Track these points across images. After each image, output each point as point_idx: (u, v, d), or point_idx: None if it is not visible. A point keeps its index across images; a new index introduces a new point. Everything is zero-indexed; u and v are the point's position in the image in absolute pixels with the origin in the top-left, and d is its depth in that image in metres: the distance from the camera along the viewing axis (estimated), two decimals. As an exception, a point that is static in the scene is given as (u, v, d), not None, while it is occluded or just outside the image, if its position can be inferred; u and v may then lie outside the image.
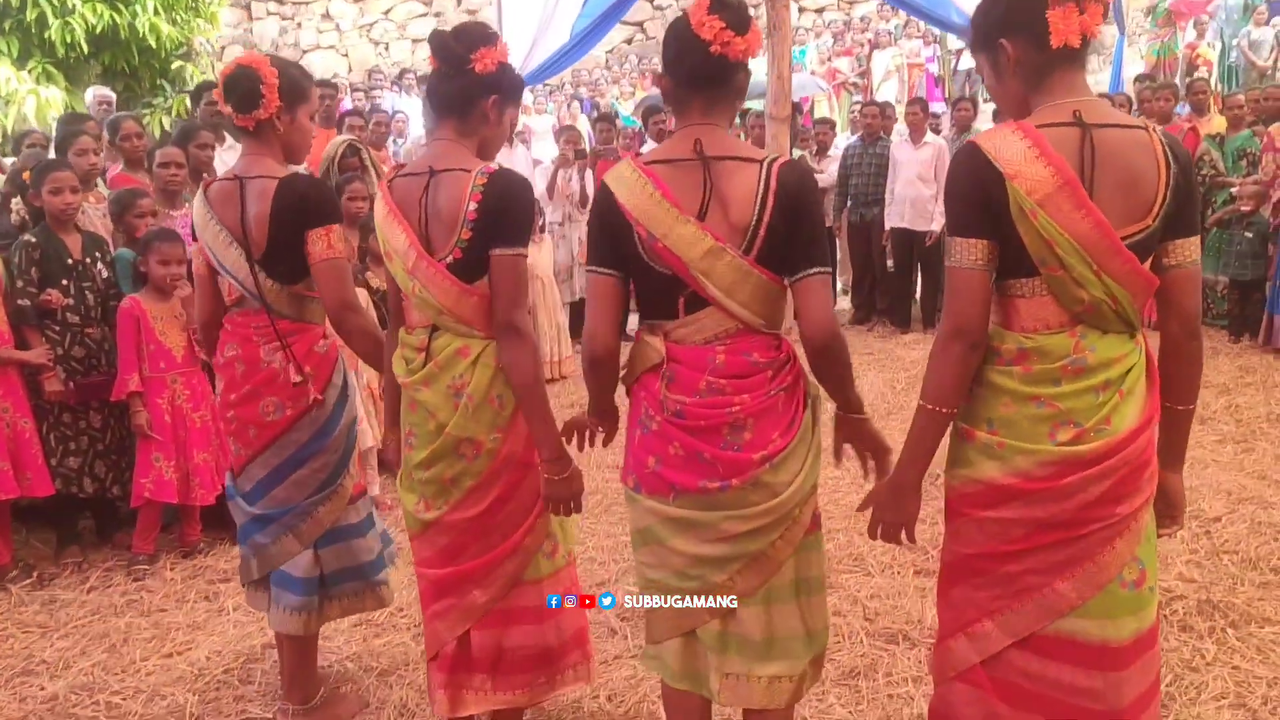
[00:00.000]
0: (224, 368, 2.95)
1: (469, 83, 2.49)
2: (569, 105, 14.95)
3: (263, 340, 2.87)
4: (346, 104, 12.00)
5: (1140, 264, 1.97)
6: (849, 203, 8.79)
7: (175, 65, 12.26)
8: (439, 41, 2.51)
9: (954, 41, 13.84)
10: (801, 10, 18.74)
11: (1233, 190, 7.56)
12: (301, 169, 3.03)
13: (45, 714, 3.19)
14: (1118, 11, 10.24)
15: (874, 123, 8.84)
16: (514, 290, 2.45)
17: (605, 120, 9.54)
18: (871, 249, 8.74)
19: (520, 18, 9.56)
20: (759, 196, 2.14)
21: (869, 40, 16.10)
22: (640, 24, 19.48)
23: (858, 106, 12.22)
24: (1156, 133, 2.00)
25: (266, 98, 2.78)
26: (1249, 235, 7.25)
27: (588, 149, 8.84)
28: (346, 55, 19.75)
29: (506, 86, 2.57)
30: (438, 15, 19.76)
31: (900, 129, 9.17)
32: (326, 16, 19.84)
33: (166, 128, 10.76)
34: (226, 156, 6.02)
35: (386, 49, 19.79)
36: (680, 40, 2.20)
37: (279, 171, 2.83)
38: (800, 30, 17.41)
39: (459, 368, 2.49)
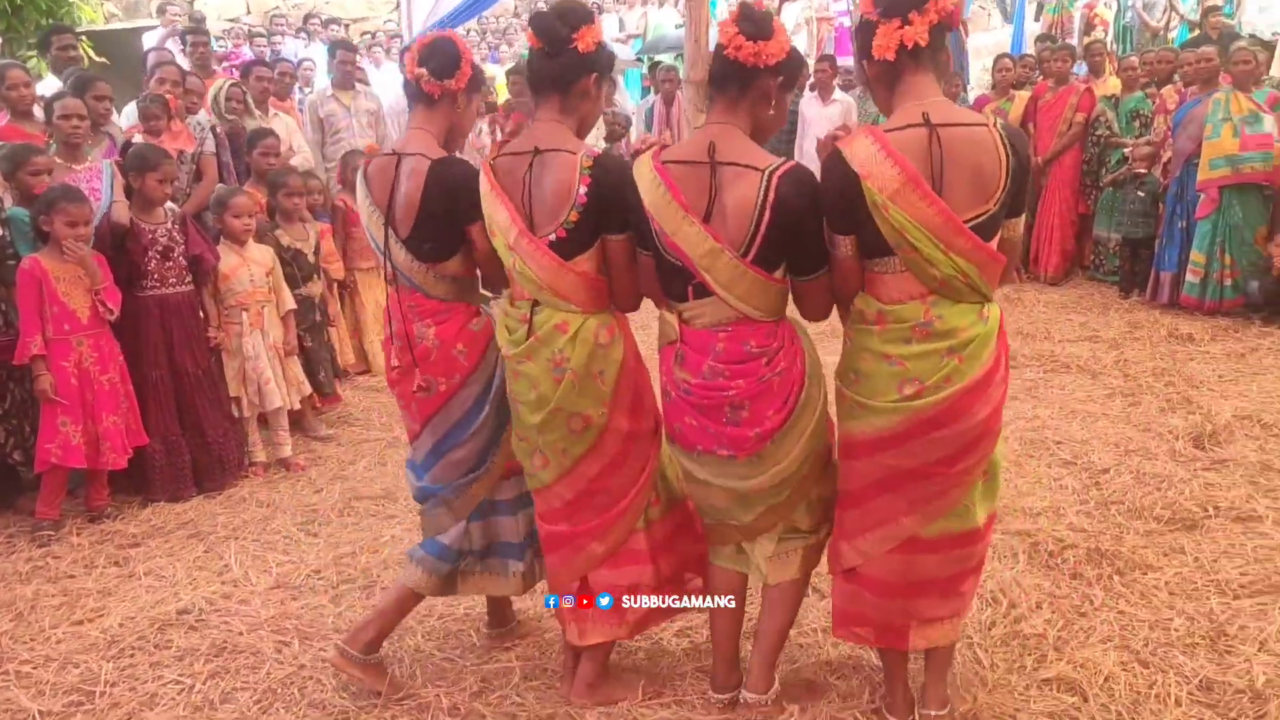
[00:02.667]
0: (387, 343, 2.99)
1: (572, 61, 2.61)
2: (476, 54, 14.68)
3: (416, 318, 2.87)
4: (246, 52, 11.59)
5: (983, 242, 2.31)
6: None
7: (67, 4, 11.69)
8: (543, 21, 2.63)
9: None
10: (712, -40, 18.65)
11: (1126, 151, 7.84)
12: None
13: (-47, 685, 3.13)
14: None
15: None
16: (623, 272, 2.65)
17: (518, 72, 9.41)
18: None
19: (427, -37, 9.36)
20: (757, 207, 2.37)
21: (779, -7, 16.10)
22: (550, -30, 19.17)
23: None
24: (997, 127, 2.34)
25: (463, 70, 2.84)
26: (1141, 195, 7.54)
27: (499, 101, 8.73)
28: (245, -3, 19.02)
29: (605, 64, 2.70)
30: (342, -43, 19.12)
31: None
32: (223, -45, 19.05)
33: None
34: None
35: (288, -9, 19.11)
36: (715, 46, 2.48)
37: (435, 151, 2.83)
38: (713, -18, 17.33)
39: (559, 343, 2.61)
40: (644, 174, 2.46)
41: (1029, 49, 10.23)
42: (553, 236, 2.57)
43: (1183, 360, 6.03)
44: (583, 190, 2.54)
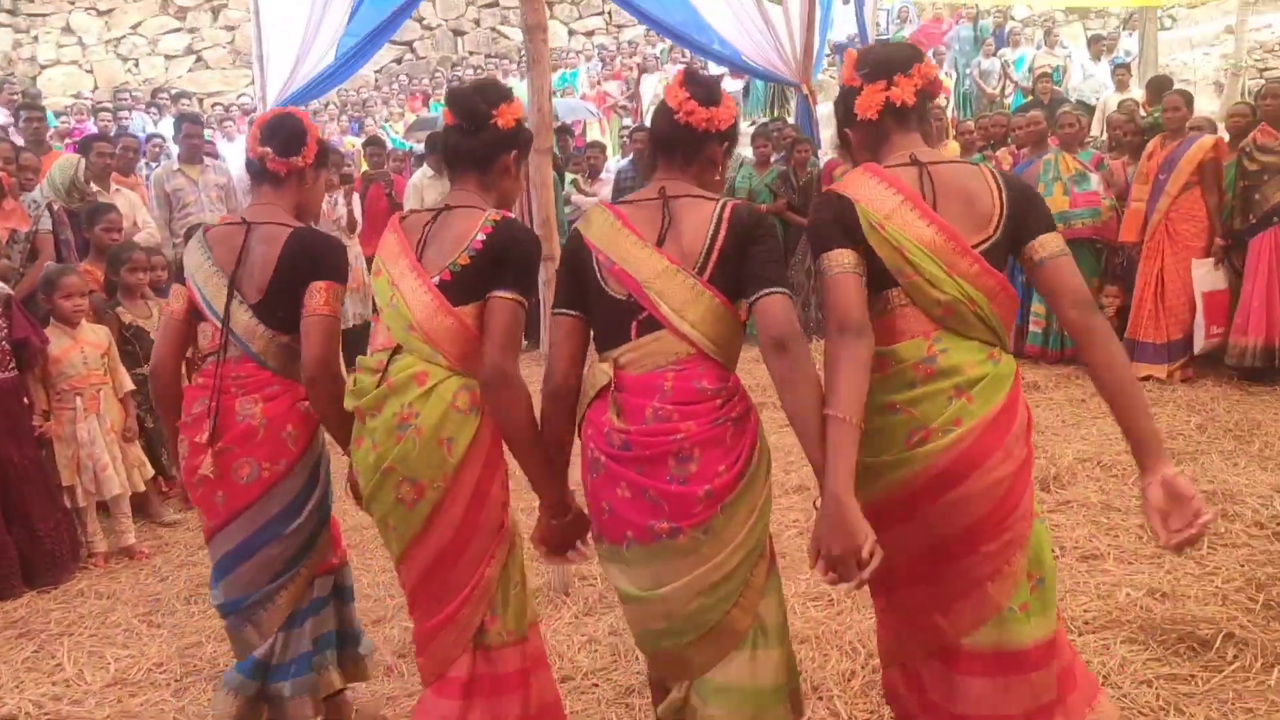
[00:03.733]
0: (192, 426, 2.72)
1: (493, 138, 2.53)
2: (336, 127, 14.55)
3: (240, 392, 2.68)
4: (90, 126, 11.24)
5: (990, 267, 2.17)
6: (621, 224, 8.96)
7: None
8: (462, 98, 2.56)
9: (714, 68, 14.34)
10: (571, 34, 19.03)
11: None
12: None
13: None
14: (863, 40, 10.94)
15: (643, 146, 9.06)
16: (507, 335, 2.40)
17: (375, 143, 9.37)
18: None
19: (282, 36, 9.21)
20: (712, 224, 2.26)
21: (637, 64, 16.49)
22: (409, 44, 19.23)
23: (628, 130, 12.48)
24: (986, 166, 2.32)
25: (309, 146, 2.78)
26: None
27: (355, 172, 8.64)
28: (91, 72, 18.49)
29: (524, 141, 2.63)
30: (192, 31, 18.84)
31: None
32: (67, 30, 18.51)
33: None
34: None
35: (137, 66, 18.67)
36: (658, 108, 2.40)
37: (292, 221, 2.76)
38: (570, 54, 17.64)
39: (411, 394, 2.39)
40: (594, 217, 2.39)
41: (874, 115, 10.66)
42: (438, 278, 2.43)
43: (1029, 407, 6.25)
44: (480, 237, 2.43)
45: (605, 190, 9.12)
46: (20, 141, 6.88)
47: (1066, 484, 4.78)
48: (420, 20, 18.91)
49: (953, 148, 9.06)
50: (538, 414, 2.41)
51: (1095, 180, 7.07)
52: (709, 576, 2.19)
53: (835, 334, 2.13)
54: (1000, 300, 2.19)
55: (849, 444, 2.06)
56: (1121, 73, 12.06)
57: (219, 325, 2.72)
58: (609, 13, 18.87)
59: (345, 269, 2.78)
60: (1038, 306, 7.25)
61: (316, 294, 2.66)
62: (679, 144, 2.38)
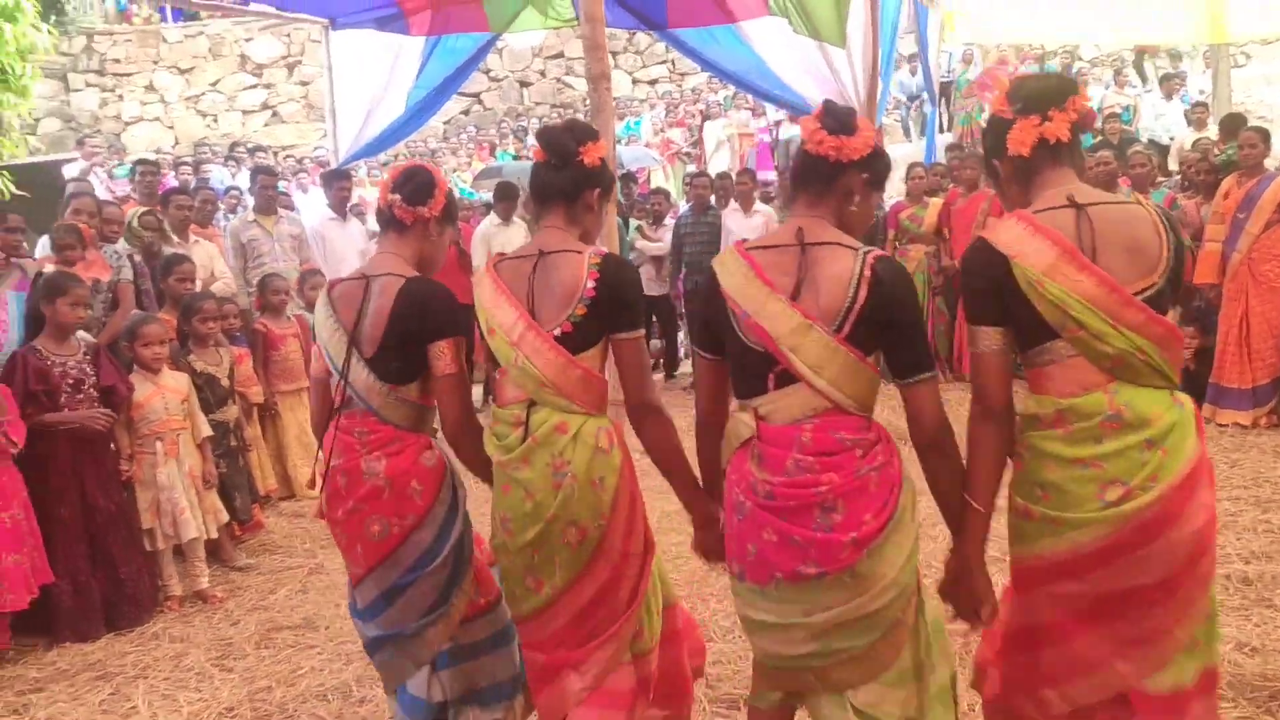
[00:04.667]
0: (329, 478, 2.81)
1: (578, 174, 2.62)
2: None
3: (365, 450, 2.73)
4: (171, 180, 11.61)
5: (1158, 315, 2.13)
6: (684, 270, 9.00)
7: (-17, 142, 11.63)
8: (551, 135, 2.66)
9: (775, 113, 14.40)
10: (635, 82, 19.25)
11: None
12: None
13: None
14: (929, 87, 10.91)
15: (704, 192, 9.10)
16: (642, 371, 2.60)
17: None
18: (708, 314, 8.93)
19: (354, 90, 9.48)
20: (854, 282, 2.21)
21: (700, 111, 16.63)
22: (477, 95, 19.62)
23: (689, 176, 12.57)
24: (1149, 204, 2.24)
25: (436, 198, 2.83)
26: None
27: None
28: (173, 128, 19.16)
29: (607, 180, 2.73)
30: (268, 87, 19.42)
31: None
32: (150, 88, 19.22)
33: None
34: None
35: (215, 121, 19.30)
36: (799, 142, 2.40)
37: (408, 271, 2.79)
38: (634, 102, 17.85)
39: (559, 444, 2.49)
40: (728, 262, 2.35)
41: (940, 158, 10.61)
42: (558, 331, 2.51)
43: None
44: (590, 284, 2.50)
45: (667, 236, 9.16)
46: (103, 194, 7.11)
47: (1147, 531, 4.62)
48: (487, 72, 19.30)
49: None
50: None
51: (1169, 220, 6.93)
52: (857, 611, 2.22)
53: (980, 416, 2.26)
54: (1170, 346, 2.16)
55: (983, 526, 2.27)
56: (1200, 110, 11.80)
57: (340, 380, 2.77)
58: (672, 61, 19.07)
59: (461, 320, 2.78)
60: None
61: (441, 355, 2.71)
62: (812, 175, 2.36)
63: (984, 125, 2.49)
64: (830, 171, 2.32)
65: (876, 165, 2.36)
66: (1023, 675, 2.32)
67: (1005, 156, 2.32)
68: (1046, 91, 2.28)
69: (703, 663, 2.98)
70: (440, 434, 2.81)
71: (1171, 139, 12.08)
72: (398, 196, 2.79)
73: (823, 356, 2.21)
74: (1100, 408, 2.14)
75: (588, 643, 2.56)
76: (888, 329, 2.24)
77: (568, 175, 2.62)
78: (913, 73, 14.31)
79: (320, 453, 2.82)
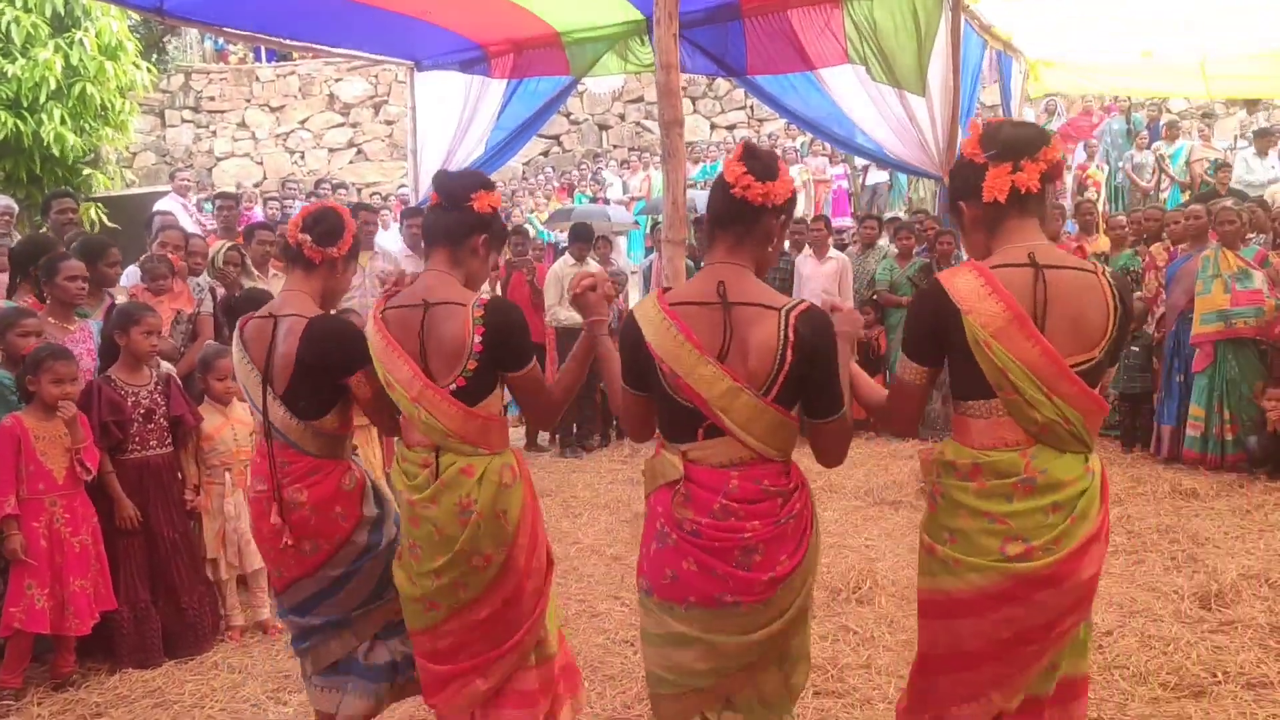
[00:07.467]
0: (255, 501, 3.02)
1: (465, 218, 2.75)
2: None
3: (287, 481, 2.92)
4: (258, 214, 11.93)
5: (1089, 389, 2.23)
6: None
7: (85, 173, 12.09)
8: (446, 179, 2.81)
9: (860, 160, 14.34)
10: (713, 127, 19.32)
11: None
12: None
13: None
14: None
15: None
16: (542, 396, 2.80)
17: (519, 233, 9.64)
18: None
19: (436, 130, 9.67)
20: (780, 347, 2.27)
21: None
22: (556, 137, 19.86)
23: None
24: (1105, 275, 2.28)
25: (345, 239, 3.01)
26: (1135, 349, 7.54)
27: (501, 261, 8.88)
28: (262, 164, 19.72)
29: (496, 230, 2.86)
30: (354, 126, 19.90)
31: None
32: (242, 125, 19.84)
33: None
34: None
35: (302, 158, 19.82)
36: (715, 183, 2.43)
37: (311, 310, 2.96)
38: (712, 146, 17.91)
39: (465, 486, 2.67)
40: (651, 316, 2.37)
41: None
42: (454, 386, 2.67)
43: (1187, 516, 5.89)
44: (477, 339, 2.65)
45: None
46: (190, 227, 7.31)
47: (1230, 603, 4.44)
48: (567, 115, 19.53)
49: (1102, 242, 8.76)
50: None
51: (1259, 278, 6.70)
52: (762, 635, 2.36)
53: (884, 421, 2.59)
54: (1094, 418, 2.26)
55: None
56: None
57: (261, 416, 2.95)
58: (750, 107, 19.11)
59: (364, 350, 2.84)
60: (1195, 409, 6.87)
61: (360, 386, 2.89)
62: (735, 219, 2.37)
63: (951, 167, 2.51)
64: (753, 216, 2.36)
65: (792, 207, 2.44)
66: (923, 696, 2.47)
67: (973, 200, 2.35)
68: (1019, 140, 2.30)
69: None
70: (358, 453, 3.04)
71: (1266, 194, 11.72)
72: (308, 237, 2.95)
73: (751, 416, 2.30)
74: (1016, 469, 2.25)
75: (492, 649, 2.76)
76: (808, 381, 2.33)
77: (456, 218, 2.75)
78: (995, 122, 14.12)
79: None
